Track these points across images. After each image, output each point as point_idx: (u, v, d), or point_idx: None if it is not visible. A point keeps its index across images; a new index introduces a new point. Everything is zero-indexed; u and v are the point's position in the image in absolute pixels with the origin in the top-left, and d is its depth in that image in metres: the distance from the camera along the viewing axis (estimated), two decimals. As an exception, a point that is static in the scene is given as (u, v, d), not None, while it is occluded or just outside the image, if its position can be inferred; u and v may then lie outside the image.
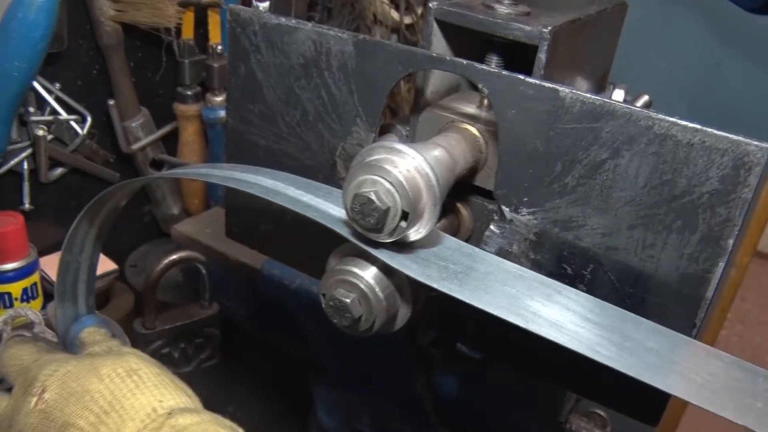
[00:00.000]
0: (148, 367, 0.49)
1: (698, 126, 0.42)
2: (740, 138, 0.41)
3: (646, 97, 0.85)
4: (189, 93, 1.03)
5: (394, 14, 1.17)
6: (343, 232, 0.44)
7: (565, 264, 0.49)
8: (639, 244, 0.46)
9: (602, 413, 0.79)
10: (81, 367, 0.49)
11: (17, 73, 0.76)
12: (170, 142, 1.07)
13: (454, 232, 0.54)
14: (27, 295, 0.84)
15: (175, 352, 0.86)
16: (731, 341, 2.03)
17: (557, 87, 0.45)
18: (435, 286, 0.41)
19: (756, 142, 0.41)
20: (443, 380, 0.71)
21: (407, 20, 1.20)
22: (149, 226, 1.12)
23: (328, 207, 0.46)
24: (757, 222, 1.55)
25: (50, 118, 0.91)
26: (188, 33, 1.01)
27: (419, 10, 1.21)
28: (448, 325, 0.59)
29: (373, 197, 0.40)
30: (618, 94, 0.80)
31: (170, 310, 0.86)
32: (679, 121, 0.42)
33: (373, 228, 0.41)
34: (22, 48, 0.76)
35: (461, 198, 0.54)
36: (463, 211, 0.54)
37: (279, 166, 0.59)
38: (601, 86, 0.74)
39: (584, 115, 0.45)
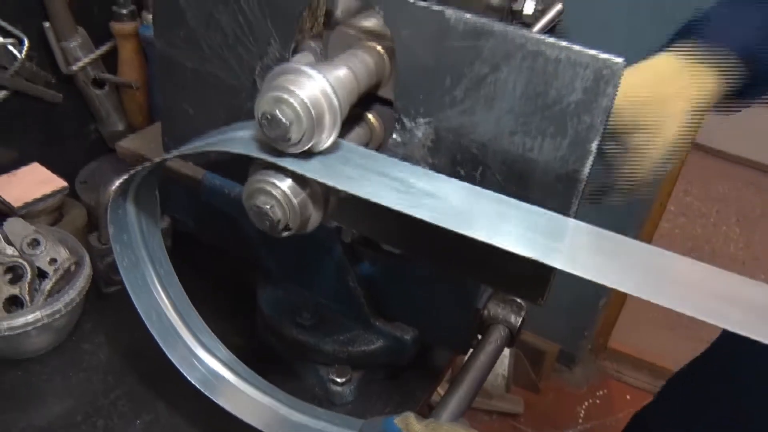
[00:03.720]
0: None
1: (564, 43, 0.48)
2: (599, 54, 0.47)
3: (559, 6, 0.90)
4: (124, 11, 1.04)
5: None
6: (254, 152, 0.50)
7: (458, 167, 0.55)
8: (520, 148, 0.52)
9: (520, 300, 0.86)
10: None
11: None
12: (110, 61, 1.09)
13: (366, 141, 0.60)
14: (-19, 215, 0.89)
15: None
16: (674, 233, 2.11)
17: (443, 9, 0.50)
18: (332, 183, 0.48)
19: (613, 57, 0.47)
20: (372, 275, 0.78)
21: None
22: (96, 143, 1.15)
23: (238, 135, 0.52)
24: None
25: (-14, 42, 0.92)
26: (119, -50, 1.02)
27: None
28: (365, 226, 0.66)
29: (278, 114, 0.46)
30: (529, 6, 0.85)
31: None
32: (548, 40, 0.48)
33: (279, 140, 0.47)
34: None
35: (372, 109, 0.59)
36: (374, 121, 0.60)
37: (205, 86, 0.64)
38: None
39: (467, 33, 0.50)
